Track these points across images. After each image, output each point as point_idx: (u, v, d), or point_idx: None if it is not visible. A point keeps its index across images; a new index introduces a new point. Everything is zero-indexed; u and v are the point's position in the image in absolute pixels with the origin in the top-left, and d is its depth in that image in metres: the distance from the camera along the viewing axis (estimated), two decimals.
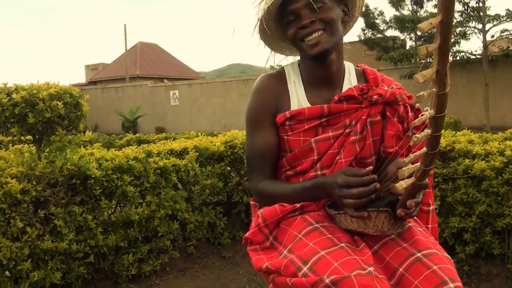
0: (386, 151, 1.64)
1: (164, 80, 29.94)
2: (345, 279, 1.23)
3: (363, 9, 1.80)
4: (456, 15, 15.34)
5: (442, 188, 3.16)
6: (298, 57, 1.83)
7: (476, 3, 15.25)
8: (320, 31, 1.54)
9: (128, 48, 35.08)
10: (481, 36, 15.77)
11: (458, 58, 16.42)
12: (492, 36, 15.85)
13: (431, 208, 1.71)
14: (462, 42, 16.43)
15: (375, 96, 1.61)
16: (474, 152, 3.15)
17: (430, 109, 1.09)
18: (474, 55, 16.31)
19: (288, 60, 1.83)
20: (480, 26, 15.76)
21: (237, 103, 21.56)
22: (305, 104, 1.64)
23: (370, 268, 1.27)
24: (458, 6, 15.43)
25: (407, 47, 20.35)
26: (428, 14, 17.45)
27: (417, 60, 16.90)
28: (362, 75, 1.73)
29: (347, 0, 1.66)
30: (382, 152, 1.66)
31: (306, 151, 1.61)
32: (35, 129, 2.92)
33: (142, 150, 3.50)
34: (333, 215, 1.51)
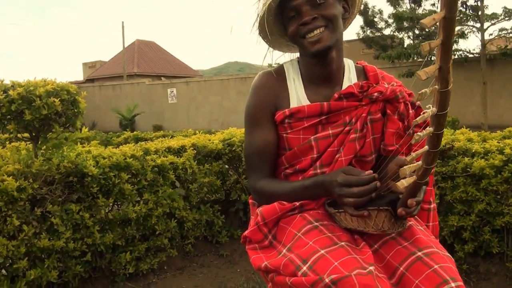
0: (386, 149, 1.63)
1: (162, 78, 29.89)
2: (346, 278, 1.22)
3: (362, 6, 1.79)
4: None
5: (441, 186, 3.15)
6: (296, 54, 1.81)
7: (474, 2, 15.25)
8: (321, 28, 1.52)
9: (125, 45, 35.01)
10: (479, 35, 15.78)
11: (456, 56, 16.42)
12: (490, 35, 15.86)
13: (432, 206, 1.69)
14: (460, 41, 16.40)
15: (375, 94, 1.60)
16: (473, 151, 3.14)
17: (432, 106, 1.08)
18: (472, 54, 16.32)
19: (285, 57, 1.82)
20: (478, 25, 15.76)
21: (235, 101, 21.54)
22: (305, 101, 1.62)
23: (371, 268, 1.25)
24: None
25: (405, 46, 20.34)
26: (426, 12, 17.40)
27: (415, 58, 16.94)
28: (362, 72, 1.71)
29: None
30: (382, 150, 1.65)
31: (306, 149, 1.60)
32: (32, 126, 2.90)
33: (140, 148, 3.48)
34: (333, 213, 1.49)
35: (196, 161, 3.71)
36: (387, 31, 23.29)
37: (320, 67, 1.62)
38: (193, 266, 3.59)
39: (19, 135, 3.02)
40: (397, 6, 20.98)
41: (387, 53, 17.41)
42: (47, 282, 2.79)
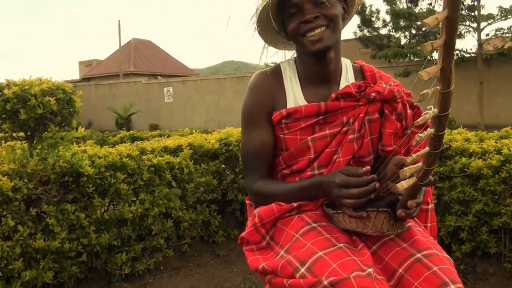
0: (384, 149, 1.61)
1: (158, 77, 29.82)
2: (344, 280, 1.20)
3: (359, 7, 1.78)
4: None
5: (439, 186, 3.15)
6: (290, 52, 1.79)
7: (471, 2, 15.26)
8: (323, 27, 1.51)
9: (122, 44, 34.96)
10: (475, 35, 15.80)
11: None
12: (487, 35, 15.87)
13: (430, 207, 1.68)
14: (457, 40, 16.36)
15: (373, 94, 1.58)
16: (471, 151, 3.13)
17: (434, 107, 1.06)
18: (469, 53, 16.33)
19: (279, 55, 1.80)
20: (475, 25, 15.78)
21: (231, 101, 21.52)
22: (302, 101, 1.61)
23: (370, 270, 1.24)
24: None
25: (402, 45, 20.35)
26: (424, 11, 17.40)
27: (412, 58, 16.95)
28: (359, 72, 1.70)
29: None
30: (380, 151, 1.64)
31: (303, 150, 1.58)
32: (27, 125, 2.87)
33: (136, 147, 3.46)
34: (331, 214, 1.48)
35: (192, 161, 3.69)
36: (384, 31, 23.32)
37: (318, 67, 1.60)
38: (189, 266, 3.57)
39: (14, 134, 2.99)
40: (393, 6, 20.98)
41: (384, 52, 17.38)
42: (43, 283, 2.76)
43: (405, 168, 1.15)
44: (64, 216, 2.83)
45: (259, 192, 1.61)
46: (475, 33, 15.79)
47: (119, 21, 33.34)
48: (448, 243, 3.19)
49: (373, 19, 22.97)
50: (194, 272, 3.48)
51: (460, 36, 16.11)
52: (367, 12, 22.81)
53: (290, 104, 1.61)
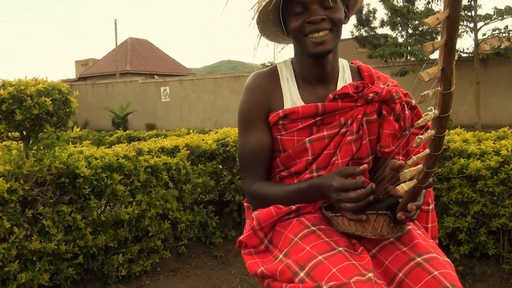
0: (382, 150, 1.60)
1: (155, 76, 29.78)
2: (344, 285, 1.19)
3: (357, 10, 1.76)
4: None
5: (437, 187, 3.13)
6: (279, 45, 1.76)
7: (468, 2, 15.27)
8: (326, 30, 1.49)
9: (118, 43, 34.88)
10: (472, 35, 15.81)
11: None
12: (484, 35, 15.89)
13: (430, 207, 1.67)
14: None
15: (371, 94, 1.57)
16: (469, 152, 3.12)
17: (434, 108, 1.05)
18: (466, 53, 16.34)
19: (268, 50, 1.76)
20: (471, 25, 15.79)
21: (228, 100, 21.51)
22: (299, 102, 1.59)
23: (370, 274, 1.22)
24: None
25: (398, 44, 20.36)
26: (421, 11, 17.39)
27: (408, 57, 16.96)
28: (357, 72, 1.69)
29: (348, 2, 1.61)
30: (378, 152, 1.62)
31: (300, 151, 1.57)
32: (23, 126, 2.85)
33: (133, 148, 3.44)
34: (330, 217, 1.46)
35: (189, 162, 3.67)
36: (380, 31, 23.35)
37: (315, 68, 1.59)
38: (186, 267, 3.55)
39: (10, 134, 2.97)
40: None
41: (380, 49, 17.36)
42: (39, 285, 2.74)
43: (405, 170, 1.14)
44: (60, 218, 2.81)
45: (256, 194, 1.59)
46: (471, 33, 15.81)
47: (115, 20, 33.31)
48: (446, 245, 3.17)
49: (370, 18, 23.00)
50: (191, 273, 3.46)
51: (458, 36, 16.10)
52: (364, 12, 22.83)
53: (287, 104, 1.59)
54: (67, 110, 2.97)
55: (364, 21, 23.13)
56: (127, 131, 8.10)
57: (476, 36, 15.72)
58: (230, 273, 3.46)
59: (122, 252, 3.16)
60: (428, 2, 17.21)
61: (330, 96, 1.57)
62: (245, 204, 1.74)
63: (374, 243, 1.43)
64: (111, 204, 3.20)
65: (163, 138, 4.50)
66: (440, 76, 1.00)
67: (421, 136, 1.05)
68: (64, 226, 2.83)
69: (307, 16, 1.48)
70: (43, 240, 2.78)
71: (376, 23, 23.26)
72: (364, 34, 23.56)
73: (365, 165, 1.35)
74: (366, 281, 1.19)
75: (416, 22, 18.83)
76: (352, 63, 1.74)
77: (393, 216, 1.29)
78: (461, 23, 15.81)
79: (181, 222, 3.56)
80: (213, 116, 22.11)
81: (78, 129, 3.20)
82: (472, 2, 15.38)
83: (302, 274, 1.27)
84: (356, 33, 23.66)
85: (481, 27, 15.79)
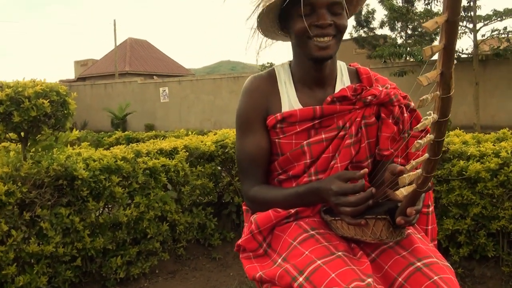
0: (381, 153, 1.59)
1: (154, 76, 29.75)
2: None
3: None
4: None
5: (437, 189, 3.13)
6: (270, 41, 1.72)
7: (467, 2, 15.26)
8: (331, 36, 1.48)
9: (117, 44, 34.88)
10: (471, 36, 15.81)
11: None
12: (483, 36, 15.89)
13: (430, 209, 1.66)
14: None
15: (369, 97, 1.56)
16: (468, 154, 3.11)
17: (433, 113, 1.04)
18: (465, 54, 16.34)
19: (268, 50, 1.74)
20: (471, 25, 15.79)
21: (227, 101, 21.49)
22: (297, 105, 1.58)
23: (369, 280, 1.21)
24: None
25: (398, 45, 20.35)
26: (420, 11, 17.38)
27: (407, 58, 16.94)
28: (355, 75, 1.68)
29: (348, 10, 1.60)
30: (377, 155, 1.61)
31: (298, 155, 1.56)
32: (21, 128, 2.84)
33: (131, 149, 3.42)
34: (329, 221, 1.45)
35: (188, 163, 3.66)
36: (379, 32, 23.34)
37: (314, 71, 1.58)
38: (185, 269, 3.54)
39: (8, 135, 2.95)
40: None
41: (379, 49, 17.32)
42: None
43: (404, 175, 1.12)
44: (58, 220, 2.80)
45: (255, 198, 1.58)
46: (471, 33, 15.81)
47: (114, 20, 33.29)
48: (446, 247, 3.17)
49: (369, 19, 22.99)
50: (190, 275, 3.45)
51: (457, 38, 16.07)
52: (363, 13, 22.81)
53: (285, 108, 1.59)
54: (65, 112, 2.96)
55: (363, 22, 23.11)
56: (126, 132, 8.08)
57: (475, 37, 15.71)
58: (229, 275, 3.45)
59: (121, 255, 3.15)
60: (428, 3, 17.21)
61: (328, 99, 1.56)
62: (243, 207, 1.73)
63: (373, 247, 1.42)
64: (109, 206, 3.19)
65: (162, 139, 4.49)
66: (439, 80, 0.99)
67: (420, 141, 1.04)
68: (62, 228, 2.82)
69: (314, 19, 1.45)
70: (41, 243, 2.76)
71: (375, 23, 23.26)
72: (363, 35, 23.53)
73: (366, 170, 1.34)
74: (365, 287, 1.18)
75: (416, 23, 18.82)
76: (350, 65, 1.73)
77: (392, 220, 1.28)
78: (461, 23, 15.82)
79: (180, 224, 3.54)
80: (212, 116, 22.09)
81: (77, 132, 3.19)
82: (472, 3, 15.38)
83: (301, 279, 1.26)
84: (355, 34, 23.63)
85: (481, 28, 15.79)
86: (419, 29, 20.62)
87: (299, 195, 1.49)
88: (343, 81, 1.64)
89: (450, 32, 0.93)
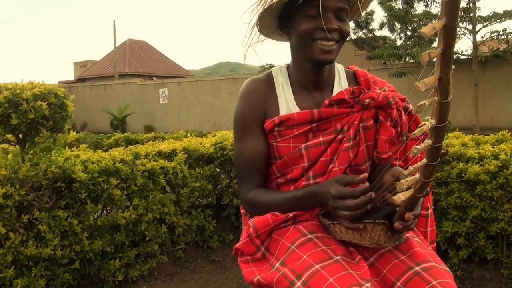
0: (379, 156, 1.59)
1: (153, 78, 29.74)
2: None
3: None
4: None
5: (436, 192, 3.12)
6: (262, 37, 1.69)
7: (466, 4, 15.26)
8: (335, 41, 1.48)
9: (117, 45, 34.86)
10: (471, 37, 15.81)
11: None
12: (483, 37, 15.90)
13: (429, 212, 1.66)
14: None
15: (367, 100, 1.55)
16: (468, 156, 3.10)
17: (431, 118, 1.03)
18: (464, 55, 16.34)
19: (268, 50, 1.73)
20: (470, 27, 15.79)
21: (227, 102, 21.48)
22: (294, 108, 1.57)
23: (367, 284, 1.21)
24: None
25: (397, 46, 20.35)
26: (420, 13, 17.39)
27: (407, 59, 16.95)
28: (353, 77, 1.67)
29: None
30: (375, 158, 1.61)
31: (296, 158, 1.55)
32: (19, 130, 2.83)
33: (130, 152, 3.42)
34: (327, 225, 1.45)
35: (187, 165, 3.65)
36: (378, 33, 23.33)
37: (312, 73, 1.57)
38: (184, 272, 3.53)
39: (6, 137, 2.94)
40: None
41: (378, 50, 17.30)
42: None
43: (402, 181, 1.12)
44: (57, 223, 2.79)
45: (253, 202, 1.58)
46: (470, 35, 15.81)
47: (114, 21, 33.29)
48: (445, 249, 3.16)
49: (368, 21, 22.98)
50: (189, 278, 3.45)
51: (456, 42, 16.07)
52: (362, 15, 22.81)
53: (283, 111, 1.58)
54: (63, 114, 2.95)
55: (362, 24, 23.10)
56: (125, 134, 8.07)
57: (474, 38, 15.72)
58: (228, 278, 3.44)
59: (119, 257, 3.14)
60: (427, 5, 17.21)
61: (326, 102, 1.55)
62: (242, 210, 1.72)
63: (372, 251, 1.42)
64: (107, 208, 3.18)
65: (161, 141, 4.48)
66: (437, 85, 0.98)
67: (417, 147, 1.03)
68: (60, 231, 2.82)
69: (321, 22, 1.44)
70: (39, 246, 2.76)
71: (374, 25, 23.26)
72: (363, 36, 23.53)
73: (365, 174, 1.34)
74: None
75: (415, 24, 18.81)
76: (348, 67, 1.73)
77: (391, 225, 1.28)
78: (460, 25, 15.82)
79: (179, 226, 3.54)
80: (212, 118, 22.09)
81: (75, 133, 3.18)
82: (471, 5, 15.38)
83: (299, 284, 1.25)
84: (354, 36, 23.61)
85: (480, 29, 15.79)
86: (419, 31, 20.60)
87: (297, 199, 1.48)
88: (341, 84, 1.64)
89: (448, 38, 0.93)
